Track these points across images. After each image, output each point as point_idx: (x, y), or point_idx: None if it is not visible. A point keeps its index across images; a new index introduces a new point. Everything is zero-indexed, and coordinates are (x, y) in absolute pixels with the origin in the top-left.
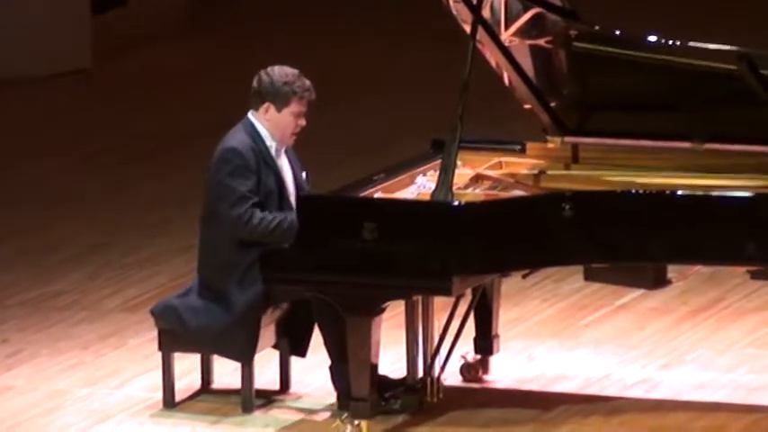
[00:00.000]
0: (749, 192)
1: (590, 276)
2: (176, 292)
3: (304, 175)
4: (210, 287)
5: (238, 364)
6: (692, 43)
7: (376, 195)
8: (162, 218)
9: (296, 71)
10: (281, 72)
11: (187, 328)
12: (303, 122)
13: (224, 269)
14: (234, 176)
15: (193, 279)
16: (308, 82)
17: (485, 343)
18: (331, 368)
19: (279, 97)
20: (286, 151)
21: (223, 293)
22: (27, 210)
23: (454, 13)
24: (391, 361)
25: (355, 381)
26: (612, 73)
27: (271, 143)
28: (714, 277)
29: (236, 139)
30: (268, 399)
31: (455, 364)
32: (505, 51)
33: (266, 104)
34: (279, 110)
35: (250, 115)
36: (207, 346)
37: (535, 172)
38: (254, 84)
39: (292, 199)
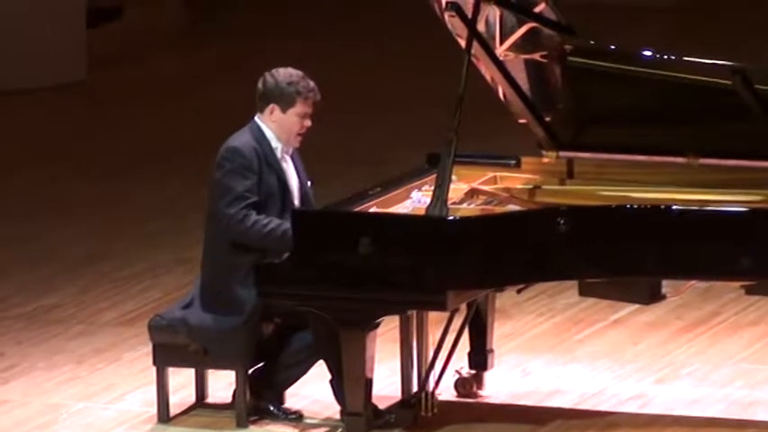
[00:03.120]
0: (744, 206)
1: (585, 291)
2: (173, 305)
3: (309, 183)
4: (214, 290)
5: (233, 379)
6: (686, 58)
7: (371, 210)
8: (158, 229)
9: (300, 72)
10: (285, 73)
11: (191, 327)
12: (308, 123)
13: (227, 269)
14: (233, 176)
15: (194, 288)
16: (312, 83)
17: (479, 358)
18: (332, 382)
19: (283, 98)
20: (292, 157)
21: (228, 295)
22: (23, 220)
23: (449, 27)
24: (386, 376)
25: (350, 395)
26: (607, 88)
27: (276, 145)
28: (709, 292)
29: (239, 139)
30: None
31: (450, 379)
32: (500, 66)
33: (271, 106)
34: (284, 111)
35: (256, 118)
36: (206, 344)
37: (530, 187)
38: (259, 86)
39: (296, 202)
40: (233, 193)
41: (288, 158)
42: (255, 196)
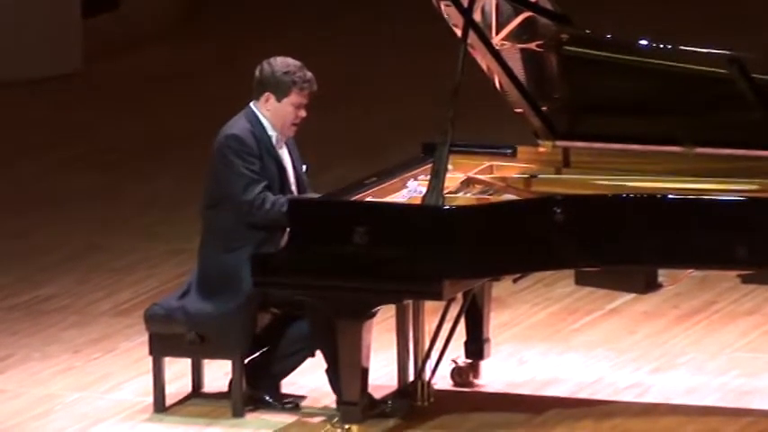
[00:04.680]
0: (740, 196)
1: (581, 280)
2: (169, 294)
3: (304, 167)
4: (214, 273)
5: (229, 369)
6: (682, 47)
7: (367, 199)
8: (152, 221)
9: (298, 62)
10: (282, 62)
11: (189, 315)
12: (303, 114)
13: (231, 252)
14: (239, 162)
15: (190, 278)
16: (309, 73)
17: (475, 347)
18: (328, 372)
19: (279, 87)
20: (287, 143)
21: (228, 276)
22: (19, 211)
23: (445, 16)
24: (382, 365)
25: (346, 385)
26: (603, 77)
27: (272, 132)
28: (705, 281)
29: (236, 126)
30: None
31: (446, 369)
32: (496, 55)
33: (267, 94)
34: (279, 100)
35: (252, 105)
36: (205, 331)
37: (526, 176)
38: (257, 73)
39: (293, 188)
40: (245, 179)
41: (283, 145)
42: (265, 178)
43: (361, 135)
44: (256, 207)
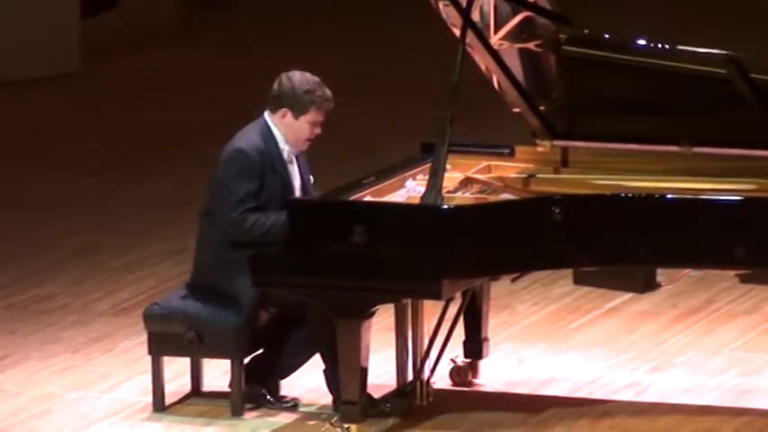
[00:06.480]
0: (738, 195)
1: (579, 280)
2: (168, 294)
3: (311, 179)
4: (211, 285)
5: (228, 368)
6: (681, 47)
7: (366, 199)
8: (151, 221)
9: (317, 79)
10: (302, 79)
11: (190, 316)
12: (318, 131)
13: (225, 265)
14: (236, 178)
15: (187, 281)
16: (328, 92)
17: (474, 346)
18: (325, 372)
19: (298, 105)
20: (297, 156)
21: (227, 291)
22: (17, 211)
23: (444, 16)
24: (381, 365)
25: (345, 384)
26: (602, 77)
27: (283, 147)
28: (703, 280)
29: (246, 139)
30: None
31: (445, 368)
32: (495, 55)
33: (284, 110)
34: (296, 117)
35: (266, 116)
36: (204, 334)
37: (524, 176)
38: (275, 87)
39: None
40: (234, 197)
41: (294, 159)
42: (256, 200)
43: (357, 135)
44: (235, 225)
